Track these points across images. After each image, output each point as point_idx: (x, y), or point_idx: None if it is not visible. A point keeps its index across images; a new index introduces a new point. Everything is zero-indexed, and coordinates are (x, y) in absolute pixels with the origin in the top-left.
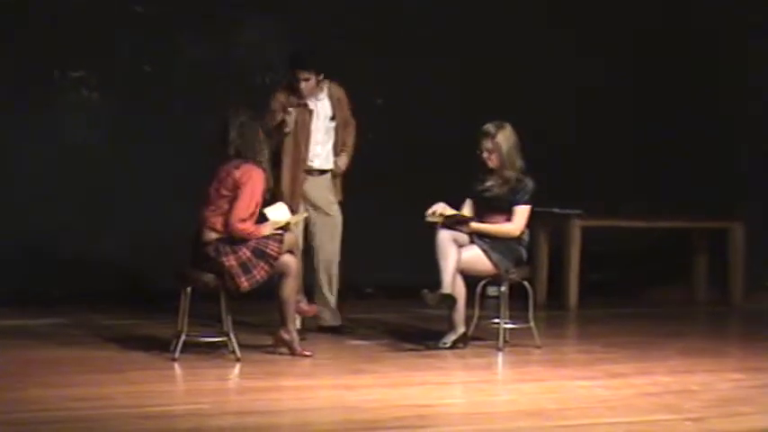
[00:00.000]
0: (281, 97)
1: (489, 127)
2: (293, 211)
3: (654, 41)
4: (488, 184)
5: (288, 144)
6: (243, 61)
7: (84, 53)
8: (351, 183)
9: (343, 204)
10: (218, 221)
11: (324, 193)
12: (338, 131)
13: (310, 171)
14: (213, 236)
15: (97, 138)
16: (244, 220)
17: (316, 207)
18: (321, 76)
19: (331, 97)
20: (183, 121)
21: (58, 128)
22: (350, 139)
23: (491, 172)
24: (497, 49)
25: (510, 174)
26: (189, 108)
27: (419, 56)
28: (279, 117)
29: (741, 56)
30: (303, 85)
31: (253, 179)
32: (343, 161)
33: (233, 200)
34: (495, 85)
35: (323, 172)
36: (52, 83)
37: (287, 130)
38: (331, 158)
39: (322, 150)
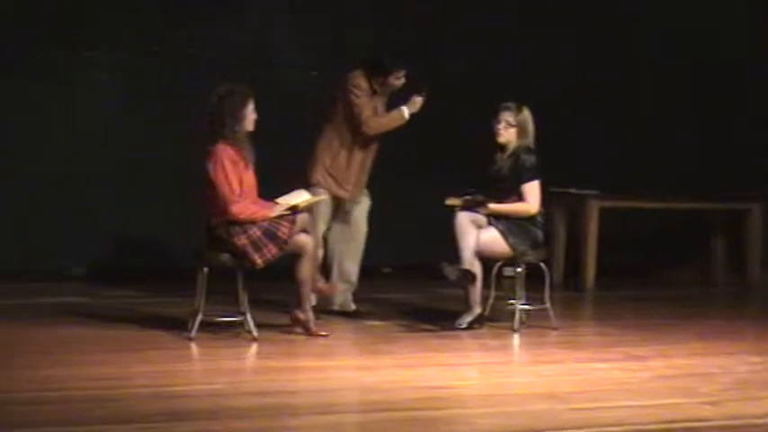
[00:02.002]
0: (364, 85)
1: (511, 103)
2: (340, 200)
3: (675, 18)
4: (498, 165)
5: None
6: (256, 39)
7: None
8: None
9: (375, 192)
10: (214, 209)
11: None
12: None
13: None
14: (219, 220)
15: (108, 118)
16: (234, 203)
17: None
18: None
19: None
20: (196, 102)
21: (77, 107)
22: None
23: (501, 149)
24: (514, 29)
25: (516, 148)
26: (200, 89)
27: (441, 38)
28: (398, 112)
29: (762, 34)
30: (398, 83)
31: (216, 158)
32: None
33: (214, 186)
34: (514, 64)
35: None
36: (64, 64)
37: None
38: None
39: None
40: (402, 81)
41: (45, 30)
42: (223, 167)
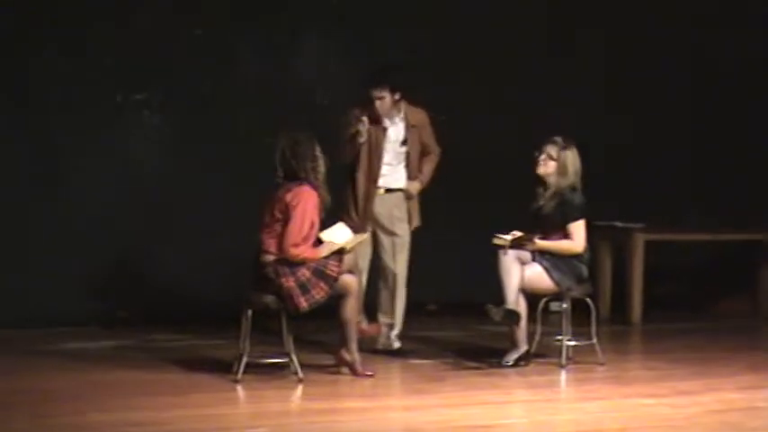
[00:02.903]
0: (356, 112)
1: (558, 138)
2: (355, 231)
3: (714, 51)
4: (541, 202)
5: (362, 161)
6: (303, 80)
7: (146, 75)
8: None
9: (420, 229)
10: (272, 244)
11: (390, 211)
12: (411, 157)
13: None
14: (270, 258)
15: (160, 159)
16: (297, 245)
17: (380, 225)
18: (397, 96)
19: (406, 121)
20: (244, 141)
21: (121, 149)
22: (428, 168)
23: (542, 185)
24: (555, 65)
25: (560, 186)
26: (249, 128)
27: (483, 82)
28: (352, 128)
29: None
30: (378, 103)
31: (303, 200)
32: (415, 186)
33: (285, 223)
34: (555, 102)
35: (389, 191)
36: (115, 105)
37: (361, 140)
38: (401, 179)
39: (388, 171)
40: (384, 102)
41: (100, 71)
42: (304, 209)
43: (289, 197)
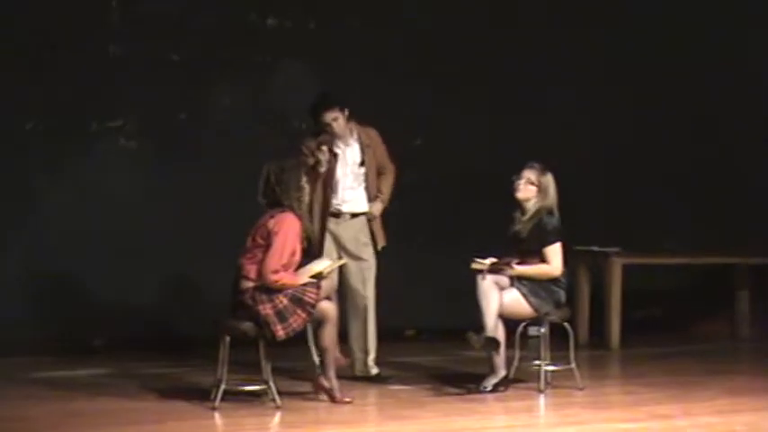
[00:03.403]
0: (310, 143)
1: (537, 164)
2: (312, 258)
3: (696, 77)
4: (518, 227)
5: (317, 189)
6: (278, 107)
7: (121, 102)
8: (390, 225)
9: (385, 249)
10: (252, 270)
11: (355, 236)
12: (369, 177)
13: (340, 214)
14: (249, 284)
15: (134, 186)
16: (276, 271)
17: (346, 250)
18: (346, 112)
19: (360, 142)
20: (220, 168)
21: (96, 176)
22: (386, 186)
23: (520, 209)
24: (532, 89)
25: (537, 210)
26: (225, 155)
27: (455, 104)
28: (311, 159)
29: None
30: (334, 125)
31: (286, 228)
32: (377, 207)
33: (266, 249)
34: (533, 124)
35: (354, 215)
36: (90, 132)
37: (321, 169)
38: (363, 202)
39: (351, 196)
40: (338, 122)
41: (74, 97)
42: (286, 237)
43: (271, 224)
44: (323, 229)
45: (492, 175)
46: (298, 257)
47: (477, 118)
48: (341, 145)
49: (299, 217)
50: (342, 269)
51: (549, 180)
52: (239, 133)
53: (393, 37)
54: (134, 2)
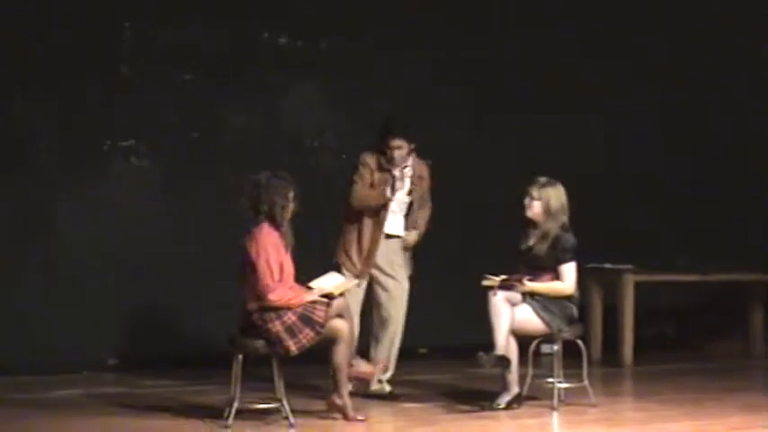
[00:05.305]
0: (369, 161)
1: (542, 178)
2: (356, 277)
3: (713, 94)
4: (531, 242)
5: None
6: (290, 126)
7: (134, 122)
8: None
9: (413, 278)
10: (251, 294)
11: (389, 256)
12: (412, 208)
13: None
14: (255, 306)
15: (147, 205)
16: (273, 289)
17: (379, 268)
18: (412, 146)
19: (414, 173)
20: (232, 186)
21: (109, 196)
22: (423, 219)
23: (532, 225)
24: (546, 104)
25: (550, 227)
26: (237, 174)
27: (470, 125)
28: (380, 191)
29: None
30: (396, 153)
31: (261, 243)
32: (413, 238)
33: (253, 271)
34: (544, 140)
35: (390, 236)
36: (103, 152)
37: (389, 197)
38: (400, 227)
39: (392, 219)
40: (401, 151)
41: (87, 118)
42: (266, 251)
43: (248, 245)
44: (374, 246)
45: (503, 192)
46: (290, 268)
47: (487, 139)
48: (396, 172)
49: (276, 227)
50: (374, 287)
51: (549, 193)
52: (251, 152)
53: (408, 57)
54: (146, 22)
